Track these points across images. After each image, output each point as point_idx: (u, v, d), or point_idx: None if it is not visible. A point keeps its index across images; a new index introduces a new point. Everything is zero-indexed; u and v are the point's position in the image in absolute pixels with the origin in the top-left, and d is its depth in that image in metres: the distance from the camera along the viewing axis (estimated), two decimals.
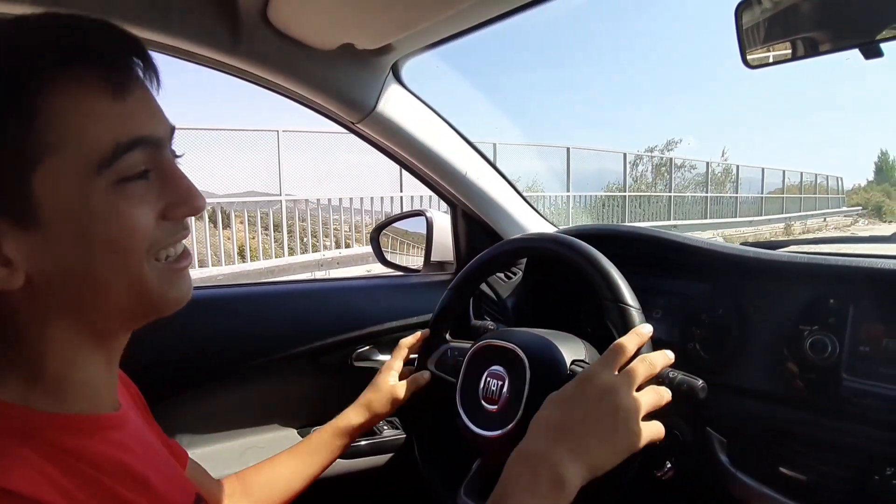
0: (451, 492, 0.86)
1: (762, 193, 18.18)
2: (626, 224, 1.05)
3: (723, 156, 18.25)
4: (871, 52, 0.67)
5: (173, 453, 0.69)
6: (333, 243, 9.29)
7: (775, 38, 0.76)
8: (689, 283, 0.97)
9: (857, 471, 0.71)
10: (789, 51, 0.75)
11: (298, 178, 8.90)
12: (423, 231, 1.46)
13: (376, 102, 1.04)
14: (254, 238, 8.65)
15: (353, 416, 0.93)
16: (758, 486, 0.78)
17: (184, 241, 0.54)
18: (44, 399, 0.49)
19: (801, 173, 19.71)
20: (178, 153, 0.54)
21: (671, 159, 16.38)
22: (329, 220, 9.53)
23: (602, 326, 1.03)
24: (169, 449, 0.68)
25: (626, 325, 0.73)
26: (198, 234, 9.34)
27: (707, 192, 16.43)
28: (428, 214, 1.45)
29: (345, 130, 1.14)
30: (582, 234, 0.92)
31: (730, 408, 0.83)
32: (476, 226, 1.34)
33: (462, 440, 0.87)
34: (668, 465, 0.81)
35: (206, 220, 9.74)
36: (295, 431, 1.21)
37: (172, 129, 0.52)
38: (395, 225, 1.57)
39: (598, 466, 0.61)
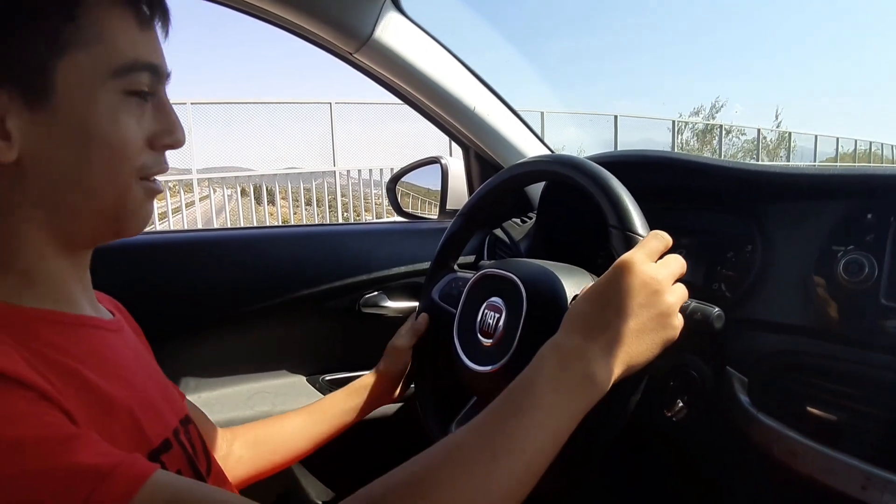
0: (445, 431, 0.81)
1: (815, 162, 17.14)
2: (653, 150, 0.95)
3: (776, 118, 17.30)
4: None
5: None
6: (375, 217, 9.36)
7: None
8: (716, 217, 0.89)
9: (894, 409, 0.62)
10: None
11: (342, 151, 9.02)
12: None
13: (373, 29, 0.98)
14: (297, 214, 8.79)
15: (368, 378, 0.92)
16: (780, 428, 0.69)
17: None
18: (17, 292, 0.50)
19: (856, 140, 18.48)
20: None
21: (721, 125, 15.67)
22: (370, 194, 9.57)
23: None
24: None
25: None
26: (244, 210, 9.59)
27: (758, 161, 15.67)
28: (443, 161, 1.39)
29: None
30: (603, 160, 0.83)
31: (752, 343, 0.74)
32: (490, 169, 1.27)
33: (458, 377, 0.82)
34: (680, 405, 0.74)
35: (252, 196, 9.98)
36: (304, 379, 1.18)
37: (170, 74, 0.57)
38: (413, 174, 1.53)
39: (635, 362, 0.57)
